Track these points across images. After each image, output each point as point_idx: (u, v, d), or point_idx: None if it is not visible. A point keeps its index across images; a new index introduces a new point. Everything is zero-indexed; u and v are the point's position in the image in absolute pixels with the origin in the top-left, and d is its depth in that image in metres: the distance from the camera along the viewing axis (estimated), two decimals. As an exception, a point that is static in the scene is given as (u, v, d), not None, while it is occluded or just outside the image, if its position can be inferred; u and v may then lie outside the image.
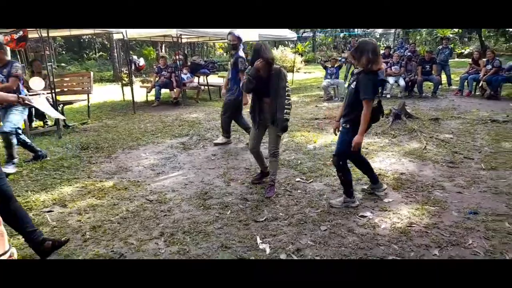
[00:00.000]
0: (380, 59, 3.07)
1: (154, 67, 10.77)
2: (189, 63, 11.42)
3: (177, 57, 9.72)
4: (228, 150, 5.23)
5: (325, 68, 9.97)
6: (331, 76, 9.76)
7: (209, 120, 7.27)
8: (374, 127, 6.13)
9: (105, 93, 11.89)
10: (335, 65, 9.92)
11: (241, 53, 5.24)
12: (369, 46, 2.97)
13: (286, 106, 3.37)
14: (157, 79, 9.62)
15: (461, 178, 3.91)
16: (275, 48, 19.66)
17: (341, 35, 31.92)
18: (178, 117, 7.63)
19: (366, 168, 3.52)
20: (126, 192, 3.79)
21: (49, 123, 6.81)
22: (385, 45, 14.34)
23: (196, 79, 10.89)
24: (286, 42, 23.71)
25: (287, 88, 3.41)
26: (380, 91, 9.34)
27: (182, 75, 9.44)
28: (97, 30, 7.97)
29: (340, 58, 14.17)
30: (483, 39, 20.89)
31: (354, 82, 3.10)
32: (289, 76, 15.03)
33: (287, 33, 14.23)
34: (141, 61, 15.02)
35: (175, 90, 9.33)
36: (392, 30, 32.51)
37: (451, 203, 3.34)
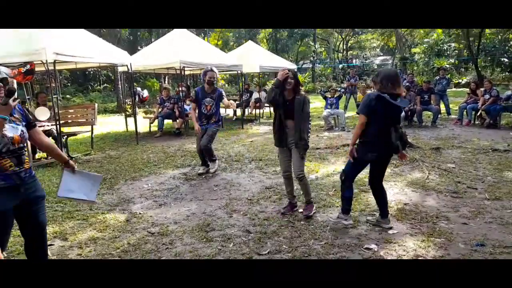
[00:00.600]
0: (397, 85, 3.21)
1: (157, 98, 10.95)
2: (191, 94, 11.59)
3: (180, 88, 9.90)
4: (230, 180, 5.22)
5: (325, 98, 10.12)
6: (331, 106, 9.89)
7: (211, 151, 7.30)
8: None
9: (109, 124, 12.03)
10: (335, 95, 10.07)
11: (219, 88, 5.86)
12: (382, 74, 3.26)
13: (308, 130, 3.67)
14: (160, 110, 9.76)
15: (465, 209, 3.88)
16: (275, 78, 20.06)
17: (340, 66, 32.60)
18: (180, 148, 7.68)
19: (382, 200, 3.52)
20: (127, 225, 3.76)
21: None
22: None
23: (198, 110, 11.00)
24: (287, 73, 24.18)
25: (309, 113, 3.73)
26: (404, 119, 9.43)
27: (185, 106, 9.57)
28: (103, 63, 8.18)
29: (339, 89, 14.41)
30: (479, 69, 21.26)
31: None
32: (290, 106, 15.27)
33: (287, 64, 14.57)
34: (145, 93, 15.26)
35: (177, 120, 9.44)
36: (390, 61, 33.22)
37: (457, 235, 3.29)
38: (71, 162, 2.51)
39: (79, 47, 6.63)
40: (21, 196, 2.14)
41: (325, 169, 5.61)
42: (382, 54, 42.33)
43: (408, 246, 3.10)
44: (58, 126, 6.08)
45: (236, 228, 3.61)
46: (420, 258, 2.91)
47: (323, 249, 3.12)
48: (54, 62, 5.96)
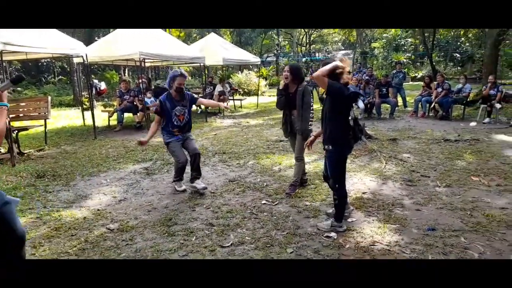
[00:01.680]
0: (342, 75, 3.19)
1: (116, 91, 10.57)
2: (153, 87, 11.32)
3: (141, 80, 9.61)
4: (193, 174, 5.15)
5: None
6: (294, 99, 10.00)
7: (174, 144, 7.16)
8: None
9: (65, 118, 11.46)
10: (298, 89, 10.19)
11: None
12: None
13: (310, 118, 4.01)
14: (119, 103, 9.43)
15: (419, 196, 4.08)
16: (239, 72, 19.96)
17: (303, 59, 33.04)
18: (141, 142, 7.46)
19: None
20: (84, 222, 3.61)
21: (2, 150, 6.43)
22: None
23: (160, 103, 10.75)
24: (250, 66, 24.16)
25: (311, 103, 4.05)
26: (364, 112, 9.69)
27: (146, 99, 9.31)
28: (56, 54, 7.76)
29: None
30: (433, 63, 22.35)
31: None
32: (254, 99, 15.28)
33: (251, 58, 14.55)
34: (102, 85, 14.68)
35: (138, 114, 9.17)
36: (351, 55, 34.09)
37: (410, 221, 3.46)
38: None
39: (29, 36, 6.23)
40: None
41: (289, 161, 5.68)
42: (343, 48, 43.34)
43: (365, 233, 3.22)
44: (7, 120, 5.70)
45: (199, 221, 3.58)
46: (376, 244, 3.03)
47: (285, 239, 3.16)
48: (1, 52, 5.57)
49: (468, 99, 9.48)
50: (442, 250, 2.90)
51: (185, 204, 4.05)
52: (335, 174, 3.29)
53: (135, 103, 9.24)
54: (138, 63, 8.92)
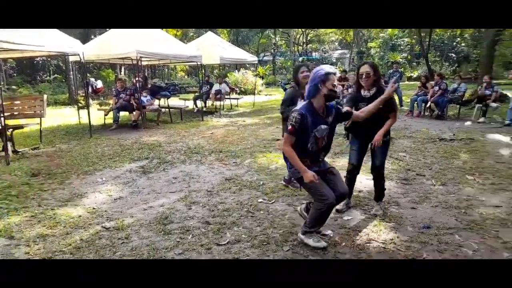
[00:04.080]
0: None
1: (112, 90, 10.54)
2: (149, 86, 11.28)
3: (137, 79, 9.58)
4: (189, 173, 5.15)
5: (285, 90, 10.22)
6: (291, 98, 10.01)
7: (170, 143, 7.15)
8: (332, 147, 6.32)
9: (60, 116, 11.40)
10: (295, 88, 10.20)
11: None
12: None
13: None
14: (115, 101, 9.40)
15: (414, 194, 4.10)
16: (236, 71, 19.95)
17: (300, 59, 33.08)
18: (137, 140, 7.45)
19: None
20: (80, 220, 3.60)
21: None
22: (341, 69, 15.07)
23: (156, 102, 10.77)
24: (247, 66, 24.15)
25: None
26: None
27: (142, 98, 9.29)
28: (53, 52, 7.71)
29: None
30: (429, 63, 22.45)
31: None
32: (250, 98, 15.28)
33: (248, 57, 14.54)
34: (99, 84, 14.65)
35: (134, 113, 9.14)
36: (348, 55, 34.18)
37: (406, 219, 3.48)
38: None
39: (25, 34, 6.18)
40: None
41: (284, 160, 5.68)
42: (340, 48, 43.42)
43: (361, 231, 3.24)
44: (2, 118, 5.67)
45: (195, 220, 3.58)
46: (372, 241, 3.04)
47: (281, 237, 3.17)
48: (-4, 50, 5.53)
49: (463, 99, 9.52)
50: (437, 247, 2.91)
51: (181, 202, 4.04)
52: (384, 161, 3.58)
53: (131, 102, 9.21)
54: (134, 62, 8.88)
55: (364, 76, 3.31)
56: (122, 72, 20.44)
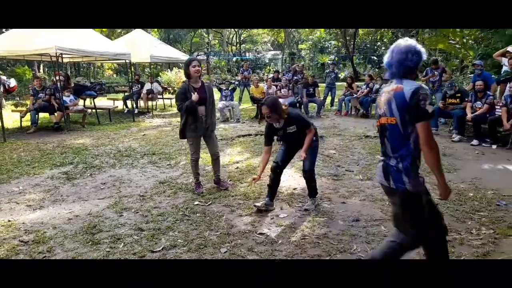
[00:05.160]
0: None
1: (29, 89, 9.59)
2: (72, 85, 10.48)
3: (58, 77, 8.83)
4: (120, 177, 4.87)
5: (220, 90, 10.18)
6: (226, 98, 10.00)
7: (98, 146, 6.70)
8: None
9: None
10: (230, 88, 10.21)
11: None
12: None
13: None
14: (34, 102, 8.55)
15: (344, 189, 4.33)
16: (168, 70, 19.38)
17: (234, 59, 33.22)
18: (60, 144, 6.86)
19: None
20: (-8, 236, 3.20)
21: None
22: (274, 70, 15.43)
23: (81, 102, 10.03)
24: (180, 64, 23.61)
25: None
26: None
27: (64, 98, 8.58)
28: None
29: (233, 81, 14.64)
30: (354, 65, 24.01)
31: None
32: (185, 98, 14.94)
33: (180, 55, 14.21)
34: (12, 82, 13.25)
35: (56, 114, 8.41)
36: (280, 56, 35.14)
37: (337, 213, 3.65)
38: None
39: None
40: None
41: (221, 160, 5.63)
42: (272, 49, 44.45)
43: (296, 228, 3.33)
44: None
45: (127, 227, 3.39)
46: (306, 237, 3.15)
47: (218, 239, 3.13)
48: None
49: (385, 99, 10.30)
50: (365, 239, 3.10)
51: (111, 209, 3.80)
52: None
53: (51, 102, 8.46)
54: (54, 59, 8.15)
55: (265, 117, 3.58)
56: (41, 70, 18.72)
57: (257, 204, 3.73)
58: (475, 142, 6.42)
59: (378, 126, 2.10)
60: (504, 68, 7.20)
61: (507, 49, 7.04)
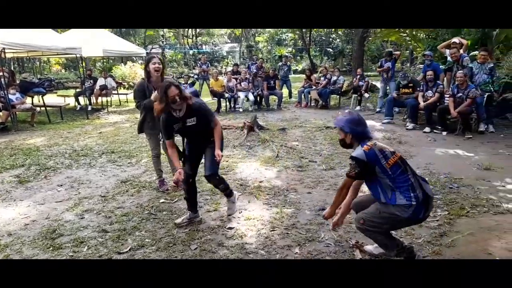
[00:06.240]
0: None
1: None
2: (18, 82, 9.79)
3: (1, 74, 8.19)
4: (78, 178, 4.64)
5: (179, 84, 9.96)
6: (185, 92, 9.81)
7: (51, 146, 6.33)
8: (232, 140, 6.42)
9: None
10: (189, 82, 10.03)
11: None
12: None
13: None
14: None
15: (309, 180, 4.43)
16: (122, 64, 18.63)
17: (191, 52, 32.63)
18: (8, 145, 6.40)
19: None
20: None
21: None
22: (233, 63, 15.36)
23: (29, 100, 9.40)
24: (134, 58, 22.79)
25: None
26: (254, 104, 9.86)
27: (10, 96, 7.99)
28: None
29: (192, 75, 14.38)
30: (311, 57, 24.44)
31: None
32: (142, 93, 14.46)
33: (134, 49, 13.73)
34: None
35: (0, 113, 7.82)
36: (237, 49, 34.99)
37: (303, 203, 3.73)
38: None
39: None
40: None
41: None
42: (229, 41, 44.14)
43: (265, 220, 3.36)
44: None
45: (90, 229, 3.25)
46: (275, 229, 3.19)
47: (187, 236, 3.09)
48: None
49: (342, 90, 10.62)
50: (331, 226, 3.19)
51: (71, 212, 3.62)
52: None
53: (-5, 101, 7.85)
54: (-4, 54, 7.55)
55: (171, 102, 2.97)
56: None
57: (177, 221, 3.31)
58: (427, 129, 6.81)
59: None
60: (448, 59, 7.68)
61: (453, 40, 7.49)
